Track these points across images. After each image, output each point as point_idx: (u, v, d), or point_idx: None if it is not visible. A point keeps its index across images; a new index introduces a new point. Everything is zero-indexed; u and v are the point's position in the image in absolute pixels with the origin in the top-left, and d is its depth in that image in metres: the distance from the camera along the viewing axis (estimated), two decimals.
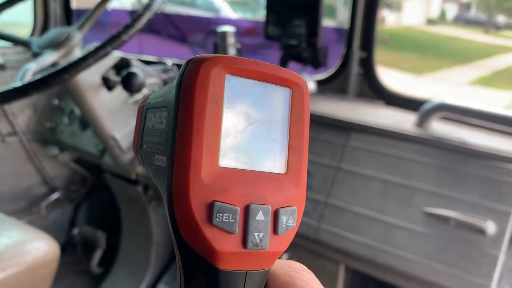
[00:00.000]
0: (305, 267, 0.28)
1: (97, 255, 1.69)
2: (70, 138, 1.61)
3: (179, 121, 0.24)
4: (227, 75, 0.25)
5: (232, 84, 0.25)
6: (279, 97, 0.26)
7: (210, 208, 0.23)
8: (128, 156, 1.40)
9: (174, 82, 0.25)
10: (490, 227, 0.88)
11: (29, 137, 1.74)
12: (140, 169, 1.38)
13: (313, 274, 0.27)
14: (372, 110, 1.25)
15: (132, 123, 1.40)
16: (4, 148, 1.69)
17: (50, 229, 1.52)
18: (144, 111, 0.31)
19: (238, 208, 0.24)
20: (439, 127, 1.07)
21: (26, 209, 1.77)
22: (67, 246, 1.85)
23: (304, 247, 1.06)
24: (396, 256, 0.93)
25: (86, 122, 1.51)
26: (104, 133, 1.34)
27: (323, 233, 1.01)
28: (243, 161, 0.25)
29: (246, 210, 0.24)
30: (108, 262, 1.69)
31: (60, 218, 1.87)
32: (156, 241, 1.55)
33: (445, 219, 0.92)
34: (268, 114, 0.26)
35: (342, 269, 1.03)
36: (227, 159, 0.24)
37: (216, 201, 0.23)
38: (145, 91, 1.32)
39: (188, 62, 0.25)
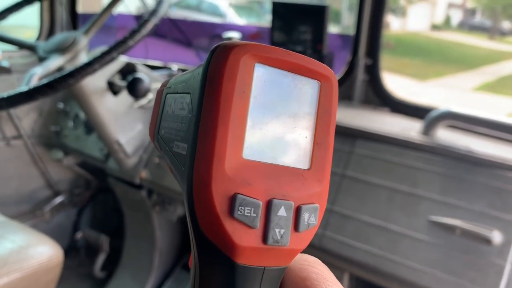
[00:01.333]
0: (319, 261, 0.27)
1: (100, 259, 1.68)
2: (75, 142, 1.61)
3: (204, 109, 0.23)
4: (256, 63, 0.24)
5: (261, 74, 0.24)
6: (307, 89, 0.25)
7: (232, 200, 0.23)
8: (132, 160, 1.40)
9: (199, 68, 0.25)
10: (497, 236, 0.87)
11: (34, 140, 1.74)
12: (144, 173, 1.38)
13: (327, 268, 0.27)
14: (378, 117, 1.25)
15: (137, 128, 1.40)
16: (9, 151, 1.69)
17: (53, 233, 1.52)
18: (163, 95, 0.30)
19: (261, 202, 0.23)
20: (445, 135, 1.06)
21: (30, 213, 1.77)
22: (70, 250, 1.85)
23: (308, 255, 1.05)
24: (401, 265, 0.93)
25: (91, 126, 1.51)
26: (109, 137, 1.35)
27: (327, 240, 1.01)
28: (267, 154, 0.24)
29: (268, 205, 0.23)
30: (111, 266, 1.68)
31: (63, 222, 1.88)
32: (160, 246, 1.54)
33: (451, 228, 0.91)
34: (295, 107, 0.25)
35: (346, 277, 1.02)
36: (251, 151, 0.24)
37: (238, 193, 0.23)
38: (150, 96, 1.32)
39: (216, 48, 0.24)
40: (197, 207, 0.23)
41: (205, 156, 0.23)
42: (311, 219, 0.25)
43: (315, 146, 0.26)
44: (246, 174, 0.23)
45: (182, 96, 0.26)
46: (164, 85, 0.30)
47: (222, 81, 0.23)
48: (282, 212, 0.24)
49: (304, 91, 0.25)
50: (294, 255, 0.26)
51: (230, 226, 0.23)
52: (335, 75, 0.27)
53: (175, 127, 0.27)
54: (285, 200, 0.24)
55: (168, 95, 0.29)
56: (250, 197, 0.23)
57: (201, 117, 0.23)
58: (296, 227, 0.24)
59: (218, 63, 0.23)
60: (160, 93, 0.30)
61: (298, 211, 0.24)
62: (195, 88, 0.24)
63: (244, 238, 0.23)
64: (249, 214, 0.23)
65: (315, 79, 0.26)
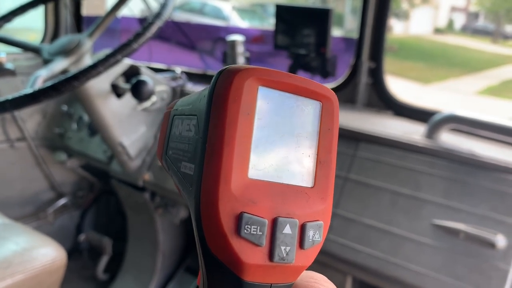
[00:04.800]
0: (325, 278, 0.28)
1: (103, 261, 1.69)
2: (78, 144, 1.62)
3: (210, 131, 0.24)
4: (260, 86, 0.25)
5: (264, 96, 0.25)
6: (309, 110, 0.26)
7: (238, 219, 0.23)
8: (135, 163, 1.41)
9: (205, 91, 0.26)
10: (500, 240, 0.87)
11: (37, 142, 1.75)
12: (147, 176, 1.39)
13: (334, 285, 0.27)
14: (381, 121, 1.25)
15: (140, 130, 1.40)
16: (13, 153, 1.70)
17: (57, 235, 1.52)
18: (171, 117, 0.31)
19: (266, 221, 0.24)
20: (449, 139, 1.06)
21: (33, 215, 1.77)
22: (73, 252, 1.85)
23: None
24: (404, 268, 0.93)
25: (95, 128, 1.52)
26: (112, 139, 1.35)
27: (330, 244, 1.01)
28: (271, 174, 0.25)
29: (274, 223, 0.24)
30: (114, 268, 1.69)
31: (67, 224, 1.88)
32: (162, 249, 1.54)
33: (454, 232, 0.91)
34: (298, 127, 0.26)
35: (349, 280, 1.02)
36: (256, 171, 0.24)
37: (244, 212, 0.23)
38: (153, 99, 1.33)
39: (221, 72, 0.25)
40: (205, 226, 0.24)
41: (212, 176, 0.23)
42: (316, 236, 0.26)
43: (318, 164, 0.27)
44: (252, 193, 0.24)
45: (189, 118, 0.27)
46: (171, 107, 0.31)
47: (227, 104, 0.24)
48: (287, 230, 0.24)
49: (306, 112, 0.26)
50: (300, 271, 0.26)
51: (237, 244, 0.23)
52: (336, 96, 0.28)
53: (182, 148, 0.28)
54: (290, 218, 0.25)
55: (175, 117, 0.30)
56: (256, 215, 0.24)
57: (207, 138, 0.24)
58: (301, 244, 0.25)
59: (223, 87, 0.24)
60: (167, 115, 0.31)
61: (303, 229, 0.25)
62: (201, 110, 0.25)
63: (251, 256, 0.24)
64: (255, 232, 0.24)
65: (317, 100, 0.27)
